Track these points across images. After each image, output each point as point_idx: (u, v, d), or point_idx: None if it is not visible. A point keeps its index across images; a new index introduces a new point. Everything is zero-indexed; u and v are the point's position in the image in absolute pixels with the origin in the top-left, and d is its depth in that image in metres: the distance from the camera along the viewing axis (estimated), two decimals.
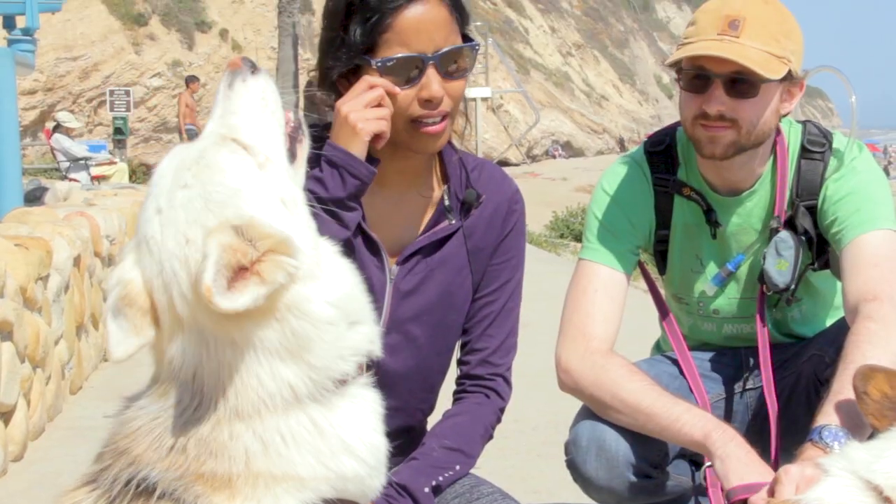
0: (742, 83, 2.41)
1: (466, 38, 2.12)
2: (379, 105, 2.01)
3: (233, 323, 1.53)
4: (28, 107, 24.10)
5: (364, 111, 2.01)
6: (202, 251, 1.49)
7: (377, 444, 1.68)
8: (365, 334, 1.70)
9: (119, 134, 21.76)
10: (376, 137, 2.02)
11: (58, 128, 18.34)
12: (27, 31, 9.87)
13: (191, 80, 19.00)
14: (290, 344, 1.57)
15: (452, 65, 2.07)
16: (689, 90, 2.48)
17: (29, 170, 19.54)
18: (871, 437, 1.92)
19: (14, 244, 5.09)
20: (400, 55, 2.02)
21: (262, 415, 1.57)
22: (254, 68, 1.69)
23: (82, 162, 17.99)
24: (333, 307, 1.62)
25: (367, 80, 2.02)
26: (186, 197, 1.56)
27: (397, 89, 2.03)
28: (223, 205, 1.55)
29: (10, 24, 9.95)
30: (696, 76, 2.45)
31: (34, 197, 10.50)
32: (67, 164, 17.96)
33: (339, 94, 2.11)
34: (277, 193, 1.61)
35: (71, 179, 16.82)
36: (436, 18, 2.03)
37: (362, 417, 1.67)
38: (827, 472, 1.80)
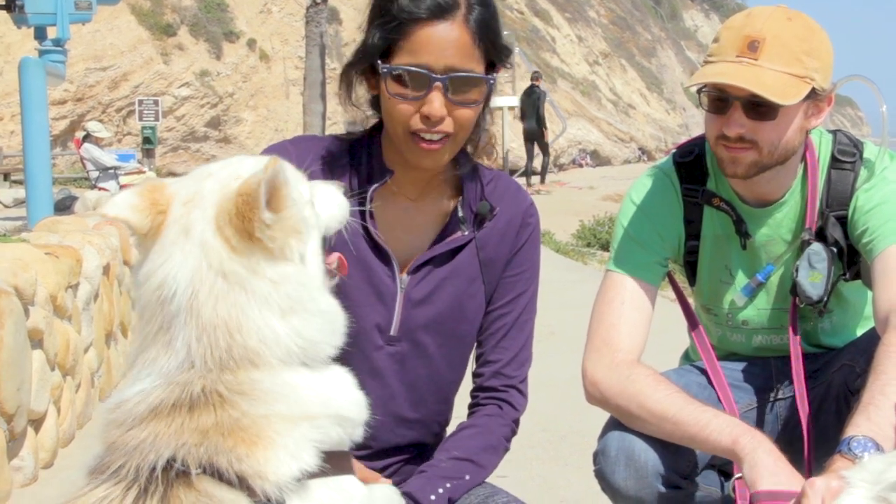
0: (761, 106, 2.38)
1: (492, 69, 2.10)
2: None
3: (253, 252, 1.62)
4: (58, 116, 24.33)
5: None
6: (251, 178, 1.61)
7: (359, 398, 1.76)
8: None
9: (148, 143, 21.95)
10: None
11: (87, 137, 18.51)
12: (58, 42, 10.02)
13: None
14: (285, 304, 1.65)
15: (461, 91, 2.03)
16: (711, 111, 2.47)
17: (59, 179, 19.73)
18: None
19: (44, 253, 5.14)
20: (406, 66, 2.02)
21: (272, 364, 1.63)
22: None
23: (111, 171, 18.15)
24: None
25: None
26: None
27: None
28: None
29: (41, 34, 10.11)
30: (717, 98, 2.44)
31: (64, 206, 10.62)
32: (97, 173, 18.12)
33: (352, 88, 2.16)
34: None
35: (100, 188, 17.00)
36: (454, 40, 2.01)
37: (344, 382, 1.75)
38: (850, 484, 1.79)
